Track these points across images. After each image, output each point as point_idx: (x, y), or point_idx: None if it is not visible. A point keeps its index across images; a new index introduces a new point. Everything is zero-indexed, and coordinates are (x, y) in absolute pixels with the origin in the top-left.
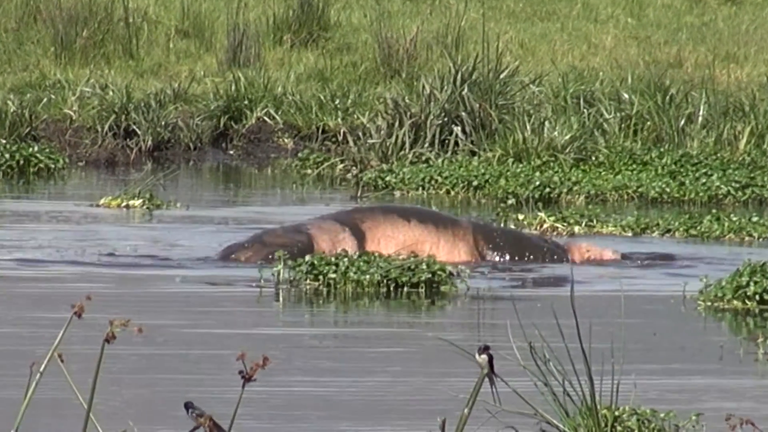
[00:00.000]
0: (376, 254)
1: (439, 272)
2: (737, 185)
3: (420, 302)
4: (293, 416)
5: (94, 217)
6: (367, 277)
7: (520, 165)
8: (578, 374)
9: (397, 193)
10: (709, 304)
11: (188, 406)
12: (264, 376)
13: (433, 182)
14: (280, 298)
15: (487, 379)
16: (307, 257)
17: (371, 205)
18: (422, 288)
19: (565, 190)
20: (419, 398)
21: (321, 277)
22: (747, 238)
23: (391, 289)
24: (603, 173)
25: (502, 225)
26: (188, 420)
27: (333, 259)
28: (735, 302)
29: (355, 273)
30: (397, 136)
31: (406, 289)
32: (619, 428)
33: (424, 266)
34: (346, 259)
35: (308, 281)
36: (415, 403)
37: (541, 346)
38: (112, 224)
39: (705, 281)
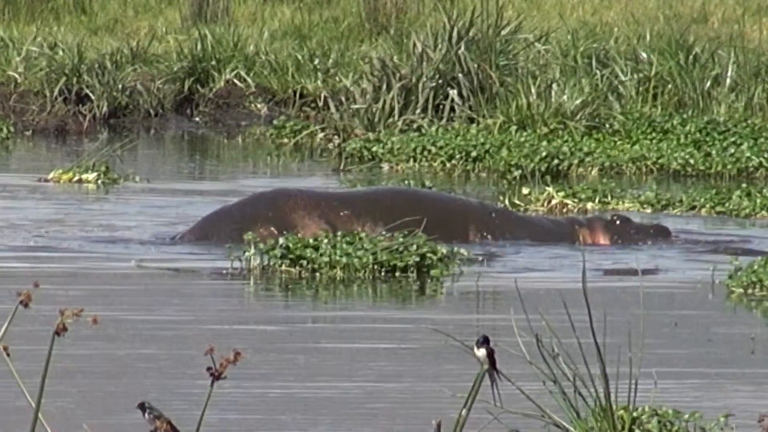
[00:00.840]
0: (361, 234)
1: (429, 255)
2: None
3: (410, 289)
4: (266, 419)
5: (42, 192)
6: (356, 260)
7: (525, 133)
8: (591, 371)
9: (385, 166)
10: (740, 290)
11: (144, 407)
12: (234, 374)
13: (426, 153)
14: (251, 287)
15: (487, 376)
16: (281, 239)
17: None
18: (412, 272)
19: (575, 161)
20: (410, 398)
21: (298, 262)
22: None
23: (378, 274)
24: (618, 143)
25: (500, 204)
26: (145, 422)
27: (312, 240)
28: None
29: (340, 256)
30: (384, 101)
31: (396, 273)
32: (637, 431)
33: (413, 247)
34: (326, 241)
35: (284, 267)
36: (407, 404)
37: (550, 339)
38: (63, 201)
39: (736, 264)
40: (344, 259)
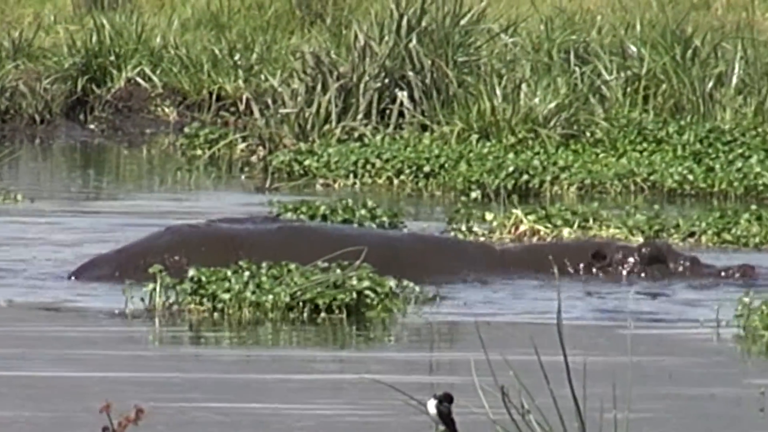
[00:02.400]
0: (294, 266)
1: (375, 291)
2: None
3: (347, 331)
4: None
5: None
6: (271, 297)
7: (488, 144)
8: (567, 429)
9: (320, 183)
10: (750, 334)
11: None
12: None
13: (369, 168)
14: (155, 330)
15: None
16: (192, 271)
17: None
18: (350, 312)
19: (549, 178)
20: None
21: (209, 298)
22: None
23: (309, 313)
24: (601, 155)
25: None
26: None
27: (228, 272)
28: None
29: (253, 293)
30: (319, 105)
31: (331, 312)
32: None
33: (353, 281)
34: (247, 273)
35: (193, 305)
36: None
37: (518, 391)
38: None
39: (743, 304)
40: (253, 297)
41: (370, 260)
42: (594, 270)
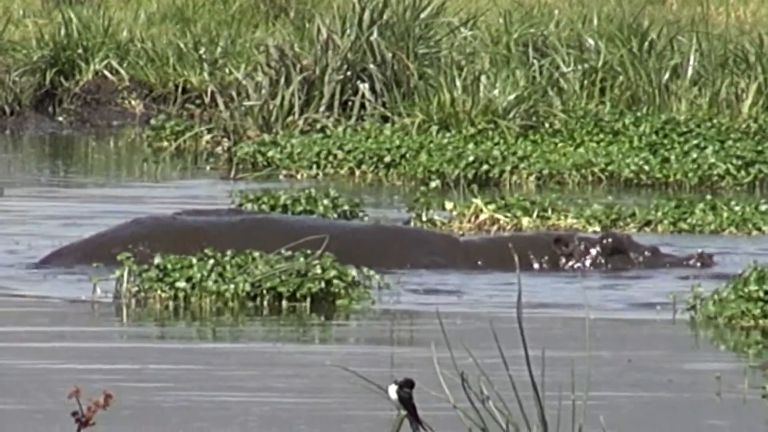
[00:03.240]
0: (258, 254)
1: (335, 280)
2: (739, 162)
3: (309, 319)
4: None
5: None
6: (232, 286)
7: (448, 135)
8: (527, 416)
9: (283, 174)
10: (704, 320)
11: None
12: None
13: (331, 159)
14: (121, 317)
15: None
16: (157, 259)
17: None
18: (313, 300)
19: (508, 168)
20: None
21: (173, 286)
22: (754, 233)
23: (271, 301)
24: (560, 146)
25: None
26: None
27: (193, 260)
28: (740, 319)
29: (215, 282)
30: (282, 97)
31: (294, 300)
32: None
33: (318, 269)
34: (211, 261)
35: (159, 292)
36: None
37: (477, 378)
38: None
39: (695, 290)
40: (215, 286)
41: (332, 250)
42: (556, 259)
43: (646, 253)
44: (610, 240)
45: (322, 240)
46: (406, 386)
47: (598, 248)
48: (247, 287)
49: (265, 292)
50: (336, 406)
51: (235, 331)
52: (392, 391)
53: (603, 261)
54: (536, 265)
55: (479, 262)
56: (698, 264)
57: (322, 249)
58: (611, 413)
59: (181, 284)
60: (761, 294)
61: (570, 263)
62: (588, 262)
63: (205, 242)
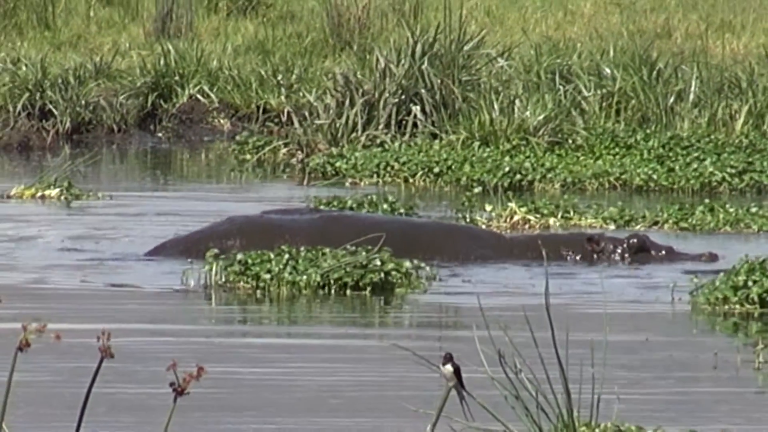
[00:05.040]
0: (326, 250)
1: (396, 271)
2: (733, 171)
3: (371, 305)
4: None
5: (5, 209)
6: (304, 278)
7: (487, 149)
8: (554, 386)
9: (349, 181)
10: (703, 306)
11: None
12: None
13: (389, 169)
14: (212, 302)
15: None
16: (240, 255)
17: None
18: (374, 288)
19: (538, 177)
20: (375, 412)
21: (255, 277)
22: (745, 231)
23: (338, 290)
24: (581, 158)
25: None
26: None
27: (271, 255)
28: (732, 304)
29: (290, 274)
30: (347, 117)
31: (357, 289)
32: None
33: (377, 262)
34: (286, 257)
35: (242, 283)
36: (372, 418)
37: (512, 354)
38: (26, 217)
39: (696, 281)
40: (290, 277)
41: (395, 242)
42: (588, 255)
43: (663, 251)
44: (634, 240)
45: (386, 235)
46: (446, 360)
47: (624, 246)
48: (317, 278)
49: (332, 282)
50: (393, 382)
51: (307, 317)
52: (446, 366)
53: (628, 258)
54: (570, 260)
55: (522, 256)
56: (706, 260)
57: (380, 244)
58: (625, 384)
59: (265, 276)
60: (744, 283)
61: (599, 259)
62: (615, 258)
63: (287, 236)
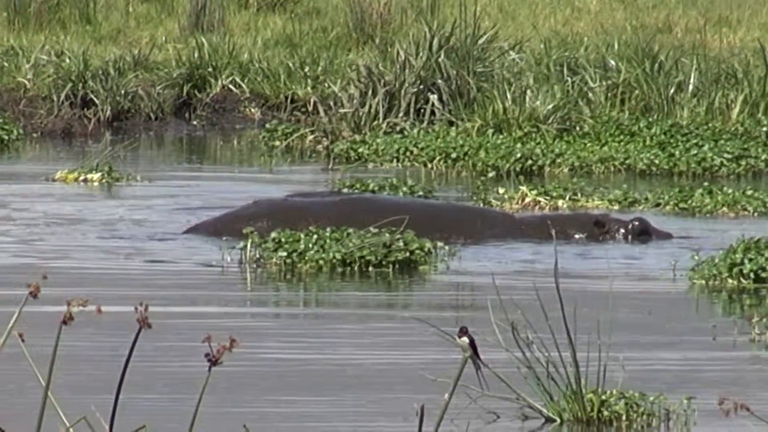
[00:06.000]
0: (351, 230)
1: (417, 250)
2: (730, 156)
3: (393, 282)
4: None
5: (49, 191)
6: (330, 255)
7: (501, 136)
8: (563, 356)
9: (371, 166)
10: (702, 282)
11: None
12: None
13: (408, 154)
14: (247, 278)
15: (470, 363)
16: (273, 234)
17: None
18: (397, 267)
19: (548, 162)
20: (394, 383)
21: (287, 254)
22: (742, 212)
23: (364, 267)
24: (588, 144)
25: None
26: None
27: (301, 235)
28: (729, 280)
29: (317, 252)
30: (370, 105)
31: (381, 267)
32: (605, 412)
33: (400, 243)
34: (314, 236)
35: (275, 259)
36: (392, 389)
37: (524, 327)
38: (69, 199)
39: (697, 259)
40: (320, 255)
41: (414, 222)
42: (594, 235)
43: (664, 235)
44: (637, 223)
45: (406, 216)
46: (462, 332)
47: (628, 228)
48: (340, 256)
49: (357, 260)
50: (414, 355)
51: (334, 293)
52: (462, 338)
53: (631, 239)
54: (576, 240)
55: (532, 236)
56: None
57: (403, 226)
58: (630, 354)
59: (297, 253)
60: (740, 260)
61: (605, 239)
62: (619, 239)
63: (311, 218)
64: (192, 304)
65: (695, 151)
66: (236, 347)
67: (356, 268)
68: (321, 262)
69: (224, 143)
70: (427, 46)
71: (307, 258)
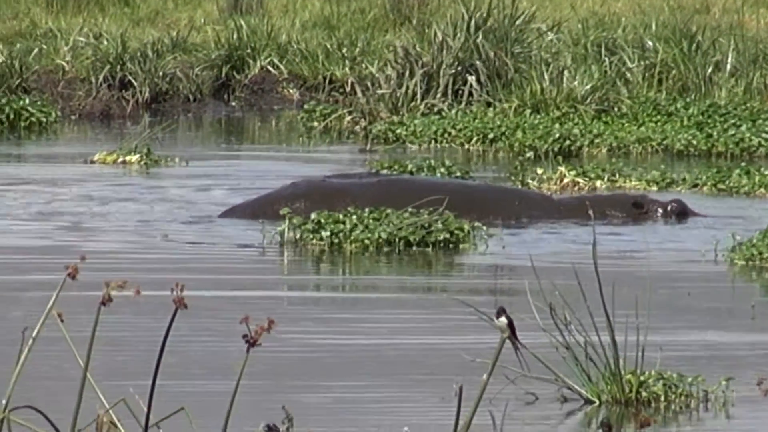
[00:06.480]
0: (389, 211)
1: (457, 231)
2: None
3: (433, 263)
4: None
5: (88, 173)
6: (375, 235)
7: (538, 116)
8: (601, 338)
9: (409, 147)
10: (741, 263)
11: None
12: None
13: (446, 135)
14: (285, 260)
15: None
16: (313, 215)
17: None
18: (436, 247)
19: (586, 142)
20: (433, 364)
21: (327, 236)
22: None
23: (403, 248)
24: (626, 125)
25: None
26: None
27: (341, 216)
28: (757, 260)
29: (362, 232)
30: (407, 87)
31: (420, 247)
32: (644, 394)
33: (439, 224)
34: (354, 217)
35: (315, 241)
36: (431, 370)
37: (562, 308)
38: (108, 181)
39: (738, 238)
40: (363, 235)
41: (452, 203)
42: (633, 216)
43: (700, 217)
44: (675, 204)
45: (444, 198)
46: (500, 313)
47: (667, 209)
48: (385, 236)
49: (397, 240)
50: (453, 336)
51: (372, 277)
52: (500, 318)
53: (670, 220)
54: (615, 221)
55: (570, 217)
56: None
57: (443, 207)
58: (668, 335)
59: (326, 234)
60: None
61: (643, 220)
62: (658, 220)
63: (349, 199)
64: (230, 287)
65: (733, 132)
66: (274, 329)
67: (396, 249)
68: (367, 241)
69: (262, 124)
70: (464, 27)
71: (352, 238)
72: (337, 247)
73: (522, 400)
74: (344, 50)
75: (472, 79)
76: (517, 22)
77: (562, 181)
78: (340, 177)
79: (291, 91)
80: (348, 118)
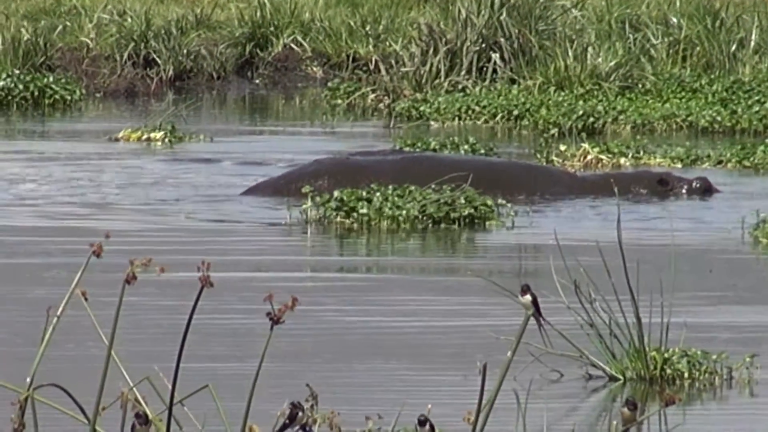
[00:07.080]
0: (412, 188)
1: (481, 207)
2: None
3: (457, 240)
4: (310, 355)
5: (113, 150)
6: (404, 212)
7: (563, 93)
8: (626, 314)
9: (433, 124)
10: (765, 240)
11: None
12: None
13: (470, 112)
14: (308, 238)
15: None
16: (336, 192)
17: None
18: (461, 224)
19: (610, 119)
20: (457, 341)
21: (351, 214)
22: None
23: (429, 225)
24: (650, 102)
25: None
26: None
27: (364, 194)
28: None
29: (390, 209)
30: (431, 64)
31: (444, 224)
32: (668, 371)
33: (462, 200)
34: (378, 194)
35: (339, 219)
36: (456, 347)
37: (587, 284)
38: (133, 158)
39: (763, 215)
40: (391, 212)
41: (477, 180)
42: (658, 194)
43: (724, 194)
44: (699, 182)
45: (467, 174)
46: (524, 291)
47: (691, 187)
48: (415, 212)
49: (422, 217)
50: (477, 313)
51: (397, 251)
52: (520, 295)
53: (694, 197)
54: (640, 198)
55: (594, 194)
56: None
57: (468, 183)
58: (692, 312)
59: (363, 210)
60: None
61: (668, 197)
62: (683, 197)
63: (372, 176)
64: (253, 267)
65: (757, 108)
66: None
67: (421, 226)
68: (401, 218)
69: (286, 102)
70: (488, 4)
71: (384, 214)
72: (366, 226)
73: (546, 378)
74: (368, 28)
75: (495, 56)
76: (541, 0)
77: (585, 157)
78: (363, 154)
79: (314, 68)
80: (372, 95)
